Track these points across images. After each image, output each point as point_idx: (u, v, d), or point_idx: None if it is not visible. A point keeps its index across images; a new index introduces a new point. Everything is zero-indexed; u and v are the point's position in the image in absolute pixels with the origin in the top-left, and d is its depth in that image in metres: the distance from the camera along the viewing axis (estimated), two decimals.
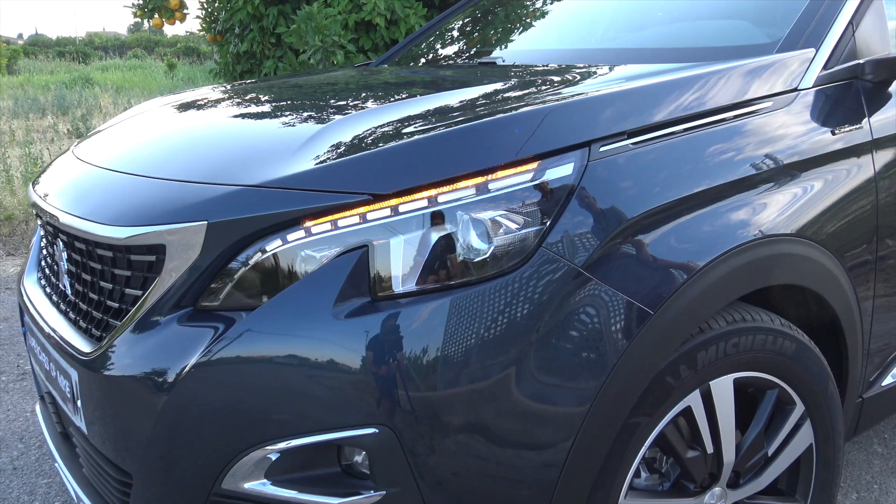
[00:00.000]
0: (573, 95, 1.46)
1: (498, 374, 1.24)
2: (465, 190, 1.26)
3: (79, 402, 1.48)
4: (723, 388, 1.50)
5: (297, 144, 1.41)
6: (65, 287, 1.66)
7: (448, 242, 1.26)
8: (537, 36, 2.49)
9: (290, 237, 1.27)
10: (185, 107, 2.09)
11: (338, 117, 1.55)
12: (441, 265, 1.25)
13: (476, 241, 1.26)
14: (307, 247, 1.26)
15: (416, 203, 1.25)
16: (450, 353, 1.22)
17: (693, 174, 1.43)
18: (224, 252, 1.29)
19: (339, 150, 1.36)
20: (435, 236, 1.25)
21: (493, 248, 1.26)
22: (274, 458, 1.25)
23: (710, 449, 1.51)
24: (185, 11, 5.99)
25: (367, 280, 1.24)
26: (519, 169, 1.29)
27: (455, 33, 2.79)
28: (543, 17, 2.59)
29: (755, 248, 1.47)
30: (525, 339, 1.25)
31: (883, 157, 1.76)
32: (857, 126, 1.72)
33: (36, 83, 19.45)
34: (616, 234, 1.31)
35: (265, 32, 5.61)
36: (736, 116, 1.53)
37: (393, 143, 1.32)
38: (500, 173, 1.28)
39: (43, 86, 18.61)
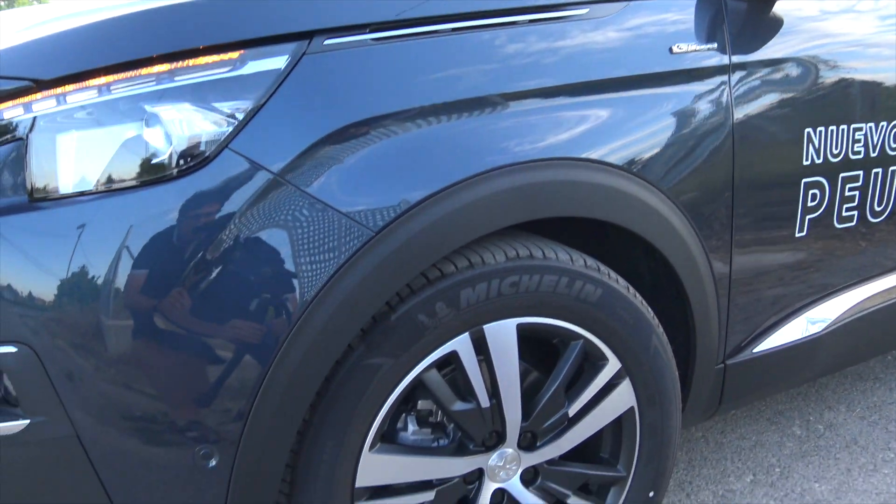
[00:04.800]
0: None
1: (165, 294, 1.06)
2: (145, 78, 1.09)
3: None
4: (501, 335, 1.30)
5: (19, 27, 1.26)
6: None
7: (125, 140, 1.08)
8: None
9: None
10: None
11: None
12: (115, 165, 1.08)
13: (154, 139, 1.08)
14: None
15: (86, 93, 1.08)
16: (107, 268, 1.05)
17: (460, 78, 1.22)
18: None
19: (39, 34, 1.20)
20: (108, 132, 1.08)
21: (172, 147, 1.08)
22: None
23: (484, 403, 1.31)
24: None
25: (24, 178, 1.08)
26: (216, 57, 1.10)
27: None
28: None
29: (532, 170, 1.25)
30: (202, 253, 1.07)
31: (742, 81, 1.51)
32: (712, 46, 1.48)
33: None
34: (332, 137, 1.12)
35: None
36: (531, 21, 1.31)
37: (76, 24, 1.15)
38: (191, 61, 1.10)
39: None
